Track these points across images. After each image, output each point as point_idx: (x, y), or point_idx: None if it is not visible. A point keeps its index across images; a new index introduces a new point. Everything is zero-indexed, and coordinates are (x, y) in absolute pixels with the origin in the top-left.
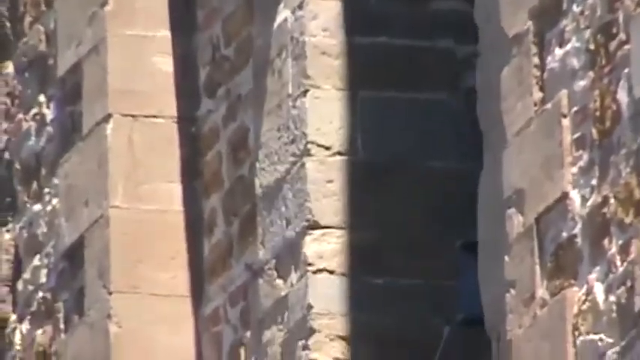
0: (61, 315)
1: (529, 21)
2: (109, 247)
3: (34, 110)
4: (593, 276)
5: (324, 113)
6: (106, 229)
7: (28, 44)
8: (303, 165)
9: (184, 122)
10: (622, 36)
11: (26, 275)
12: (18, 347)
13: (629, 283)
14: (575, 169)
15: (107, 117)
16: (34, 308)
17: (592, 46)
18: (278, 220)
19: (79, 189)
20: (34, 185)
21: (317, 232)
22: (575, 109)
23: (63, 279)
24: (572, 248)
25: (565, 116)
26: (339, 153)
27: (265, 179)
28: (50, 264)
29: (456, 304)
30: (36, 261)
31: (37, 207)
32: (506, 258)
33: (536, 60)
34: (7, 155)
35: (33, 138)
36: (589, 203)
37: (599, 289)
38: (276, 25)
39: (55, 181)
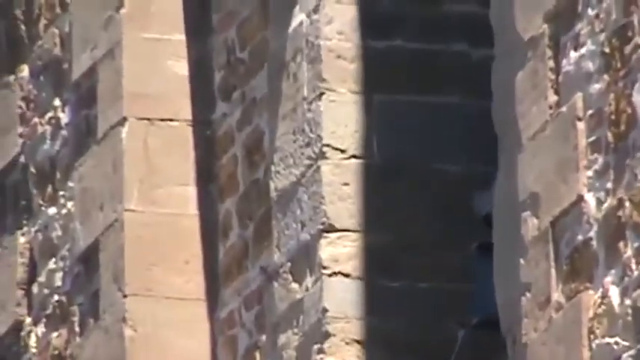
0: (76, 318)
1: (544, 24)
2: (124, 251)
3: (49, 114)
4: (608, 279)
5: (340, 116)
6: (120, 232)
7: (43, 48)
8: (318, 168)
9: (199, 126)
10: (637, 39)
11: (41, 278)
12: (33, 350)
13: None
14: (590, 173)
15: (122, 120)
16: (49, 311)
17: (607, 50)
18: (293, 224)
19: (94, 192)
20: (49, 189)
21: (332, 236)
22: (590, 112)
23: (78, 282)
24: (587, 252)
25: (580, 119)
26: (355, 156)
27: (280, 182)
28: (65, 267)
29: (472, 307)
30: (51, 264)
31: (52, 210)
32: (522, 261)
33: (551, 63)
34: (22, 159)
35: (48, 142)
36: (604, 206)
37: (614, 293)
38: (291, 28)
39: (70, 184)
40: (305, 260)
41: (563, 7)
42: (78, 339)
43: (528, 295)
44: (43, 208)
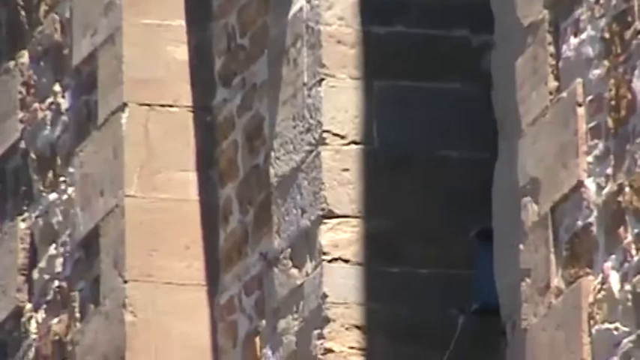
0: (76, 304)
1: (544, 10)
2: (125, 236)
3: (50, 99)
4: (608, 265)
5: (340, 102)
6: (121, 218)
7: (43, 33)
8: (318, 154)
9: (200, 111)
10: (637, 25)
11: (42, 264)
12: (34, 336)
13: None
14: (590, 158)
15: (122, 106)
16: (49, 297)
17: (607, 35)
18: (293, 209)
19: (95, 178)
20: (50, 174)
21: (332, 221)
22: (590, 97)
23: (78, 268)
24: (587, 237)
25: (580, 105)
26: (355, 142)
27: (280, 168)
28: (66, 253)
29: (472, 293)
30: (52, 250)
31: (53, 196)
32: (522, 247)
33: (551, 49)
34: (22, 144)
35: (48, 127)
36: (604, 192)
37: (614, 278)
38: (291, 14)
39: (71, 170)
40: (305, 246)
41: None
42: (78, 324)
43: (528, 280)
44: (43, 194)
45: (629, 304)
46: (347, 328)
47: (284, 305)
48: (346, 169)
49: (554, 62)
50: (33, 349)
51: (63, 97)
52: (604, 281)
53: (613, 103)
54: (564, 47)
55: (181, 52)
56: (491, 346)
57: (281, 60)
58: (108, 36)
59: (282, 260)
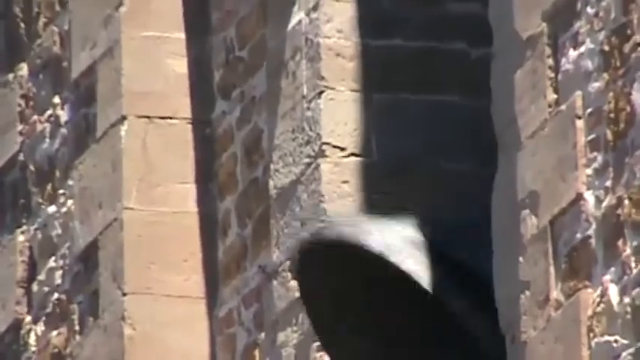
0: (75, 317)
1: (543, 23)
2: (123, 249)
3: (49, 112)
4: (607, 277)
5: (339, 115)
6: (120, 231)
7: (42, 46)
8: (317, 166)
9: (199, 124)
10: (636, 38)
11: (41, 277)
12: (33, 349)
13: None
14: (589, 171)
15: (121, 119)
16: (49, 310)
17: (606, 48)
18: (292, 222)
19: (94, 191)
20: (49, 187)
21: None
22: (589, 110)
23: (78, 281)
24: (586, 250)
25: (579, 118)
26: (354, 154)
27: (280, 181)
28: (65, 266)
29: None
30: (51, 263)
31: (52, 209)
32: (521, 260)
33: (550, 62)
34: (21, 157)
35: (47, 140)
36: (603, 205)
37: (613, 291)
38: (290, 27)
39: (70, 183)
40: None
41: (562, 5)
42: (77, 337)
43: (527, 293)
44: (42, 207)
45: (628, 316)
46: None
47: (283, 318)
48: (346, 182)
49: (553, 75)
50: None
51: (62, 109)
52: (603, 294)
53: (612, 115)
54: (563, 60)
55: (180, 65)
56: None
57: (280, 73)
58: (107, 49)
59: (281, 273)
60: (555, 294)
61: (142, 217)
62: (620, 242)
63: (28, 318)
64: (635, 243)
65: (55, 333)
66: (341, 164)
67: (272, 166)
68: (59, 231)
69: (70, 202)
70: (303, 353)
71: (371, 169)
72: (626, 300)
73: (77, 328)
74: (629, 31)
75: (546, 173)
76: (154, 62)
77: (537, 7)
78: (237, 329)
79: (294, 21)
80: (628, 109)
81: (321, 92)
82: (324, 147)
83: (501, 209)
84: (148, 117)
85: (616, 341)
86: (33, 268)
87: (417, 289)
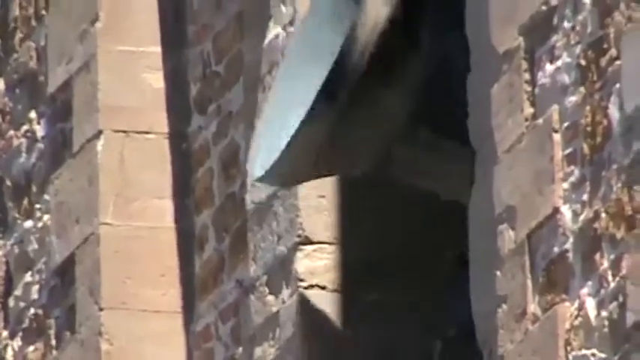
0: (52, 332)
1: (519, 37)
2: (100, 264)
3: (25, 127)
4: (584, 291)
5: None
6: (96, 246)
7: (18, 61)
8: None
9: (175, 138)
10: (613, 52)
11: (17, 292)
12: None
13: (620, 299)
14: (566, 185)
15: (98, 133)
16: (25, 325)
17: (583, 62)
18: (269, 236)
19: (70, 206)
20: (25, 202)
21: (308, 248)
22: (566, 124)
23: (54, 296)
24: (563, 263)
25: (556, 132)
26: None
27: (256, 195)
28: (42, 281)
29: (449, 319)
30: (27, 277)
31: (28, 224)
32: (498, 273)
33: (526, 76)
34: None
35: (24, 155)
36: (580, 218)
37: (590, 305)
38: (267, 41)
39: (46, 197)
40: (281, 273)
41: (539, 19)
42: (54, 352)
43: (504, 307)
44: (18, 222)
45: (606, 330)
46: None
47: (260, 332)
48: (322, 196)
49: (529, 89)
50: None
51: (38, 124)
52: (580, 308)
53: (589, 129)
54: (540, 74)
55: (157, 79)
56: None
57: (257, 87)
58: (83, 63)
59: (258, 287)
60: (532, 308)
61: (118, 232)
62: (597, 256)
63: (5, 333)
64: (612, 256)
65: (31, 348)
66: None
67: (249, 181)
68: (36, 246)
69: (46, 216)
70: None
71: (348, 184)
72: (604, 314)
73: (54, 342)
74: (605, 45)
75: (523, 187)
76: (130, 76)
77: (514, 21)
78: (215, 344)
79: (270, 35)
80: (605, 122)
81: None
82: None
83: (478, 223)
84: (125, 131)
85: (593, 355)
86: (9, 282)
87: None
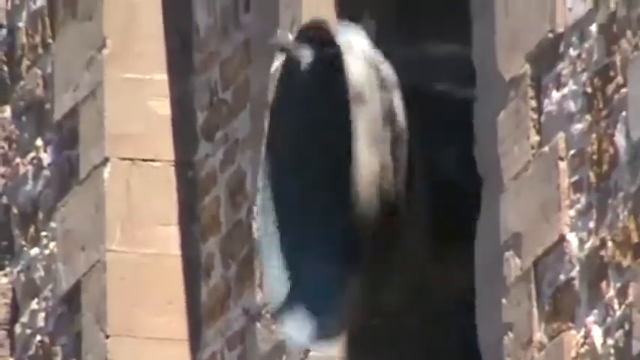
0: (58, 359)
1: (526, 64)
2: (106, 292)
3: (32, 154)
4: (591, 319)
5: None
6: (103, 273)
7: (25, 88)
8: None
9: (182, 166)
10: (619, 79)
11: (24, 319)
12: None
13: (627, 327)
14: (572, 212)
15: (104, 161)
16: (32, 352)
17: (589, 90)
18: None
19: (77, 233)
20: (32, 229)
21: None
22: (572, 152)
23: (61, 323)
24: (569, 291)
25: (562, 159)
26: None
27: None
28: (48, 308)
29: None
30: (34, 305)
31: (35, 251)
32: (504, 301)
33: (533, 103)
34: (4, 199)
35: (30, 182)
36: (587, 246)
37: (597, 333)
38: (273, 68)
39: (53, 225)
40: None
41: (545, 47)
42: None
43: (511, 335)
44: (25, 249)
45: (612, 358)
46: None
47: None
48: None
49: (536, 116)
50: None
51: (45, 151)
52: (586, 336)
53: (595, 157)
54: (546, 101)
55: (163, 107)
56: None
57: (263, 114)
58: (89, 91)
59: (264, 315)
60: (539, 336)
61: (125, 259)
62: (603, 284)
63: None
64: (618, 284)
65: None
66: None
67: (255, 208)
68: (42, 273)
69: (52, 244)
70: None
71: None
72: (610, 342)
73: None
74: (612, 73)
75: (530, 215)
76: (136, 104)
77: (520, 49)
78: None
79: (277, 63)
80: (611, 150)
81: None
82: None
83: (485, 251)
84: (131, 159)
85: None
86: (16, 310)
87: None
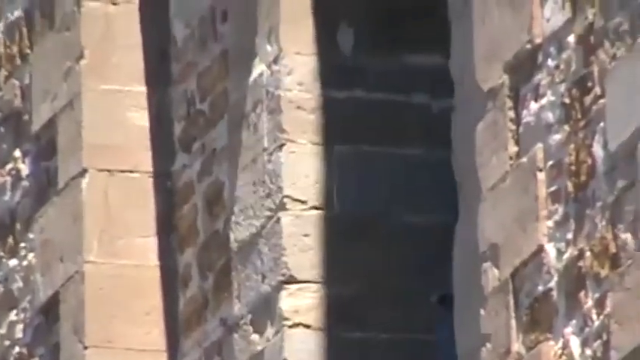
0: None
1: (504, 75)
2: (85, 303)
3: (10, 165)
4: (568, 330)
5: (300, 167)
6: (81, 284)
7: (3, 99)
8: (278, 219)
9: (160, 177)
10: (597, 90)
11: (2, 330)
12: None
13: (604, 337)
14: (550, 223)
15: (82, 172)
16: None
17: (567, 100)
18: (254, 275)
19: (55, 244)
20: (10, 240)
21: (293, 287)
22: (550, 162)
23: (39, 334)
24: (547, 302)
25: (540, 170)
26: (315, 207)
27: (240, 234)
28: (26, 319)
29: (433, 357)
30: (12, 316)
31: (13, 262)
32: (482, 312)
33: (511, 114)
34: None
35: (8, 193)
36: (565, 257)
37: (575, 343)
38: (251, 79)
39: (31, 236)
40: (266, 311)
41: (523, 57)
42: None
43: (489, 345)
44: (3, 260)
45: None
46: None
47: None
48: (307, 235)
49: (514, 127)
50: None
51: (23, 162)
52: (565, 346)
53: (573, 168)
54: (524, 112)
55: (141, 118)
56: None
57: (241, 125)
58: (67, 101)
59: (242, 326)
60: (517, 346)
61: (103, 270)
62: (581, 294)
63: None
64: (596, 295)
65: None
66: (302, 217)
67: (233, 219)
68: (20, 284)
69: (31, 255)
70: None
71: (332, 222)
72: (588, 352)
73: None
74: (589, 83)
75: (507, 225)
76: (114, 115)
77: (498, 59)
78: None
79: (255, 73)
80: (589, 161)
81: (282, 145)
82: (285, 200)
83: (462, 261)
84: (109, 170)
85: None
86: None
87: None
